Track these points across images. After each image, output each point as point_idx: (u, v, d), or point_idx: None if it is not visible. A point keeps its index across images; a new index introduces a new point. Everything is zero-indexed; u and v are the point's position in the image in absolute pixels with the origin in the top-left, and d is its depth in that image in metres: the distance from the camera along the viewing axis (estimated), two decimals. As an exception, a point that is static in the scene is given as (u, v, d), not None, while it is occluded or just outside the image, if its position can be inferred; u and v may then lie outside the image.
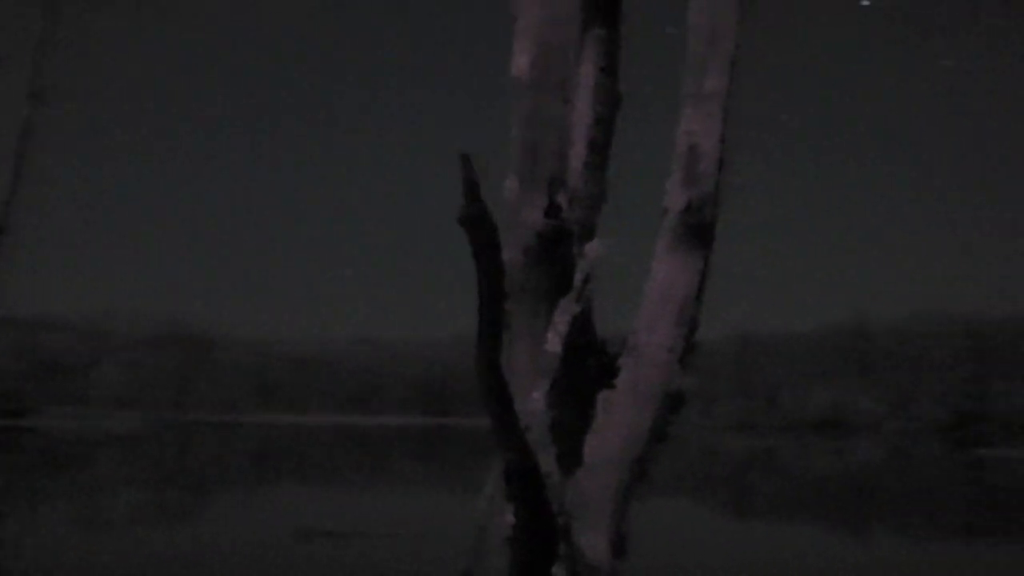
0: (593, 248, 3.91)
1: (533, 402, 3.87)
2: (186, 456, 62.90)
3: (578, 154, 3.99)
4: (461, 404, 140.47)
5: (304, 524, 25.16)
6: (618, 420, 3.78)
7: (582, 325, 3.88)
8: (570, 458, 3.75)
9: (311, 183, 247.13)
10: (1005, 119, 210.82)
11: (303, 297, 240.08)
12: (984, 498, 43.32)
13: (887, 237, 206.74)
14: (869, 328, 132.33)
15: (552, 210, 3.89)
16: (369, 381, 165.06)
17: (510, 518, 3.84)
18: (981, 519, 34.84)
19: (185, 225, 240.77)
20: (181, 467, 53.24)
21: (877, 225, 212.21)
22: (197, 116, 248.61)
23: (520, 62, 3.98)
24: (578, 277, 3.87)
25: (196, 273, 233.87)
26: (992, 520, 34.55)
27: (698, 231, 3.77)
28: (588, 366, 3.90)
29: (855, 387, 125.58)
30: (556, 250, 3.87)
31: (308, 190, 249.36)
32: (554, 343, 3.88)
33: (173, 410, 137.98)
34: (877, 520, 34.39)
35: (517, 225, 3.92)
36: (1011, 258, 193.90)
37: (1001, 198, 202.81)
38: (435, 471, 54.27)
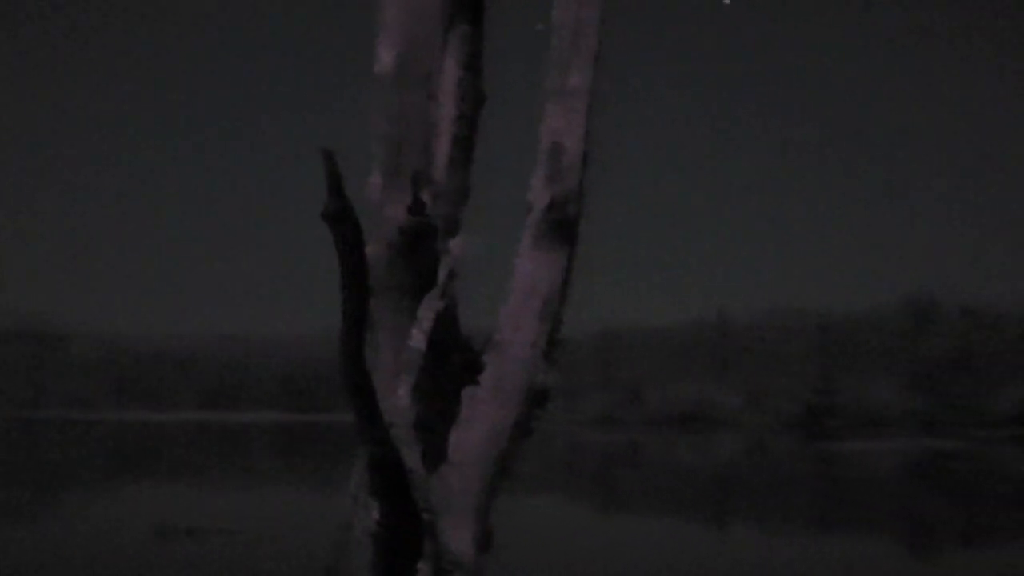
0: (457, 244, 3.92)
1: (397, 398, 3.86)
2: (37, 455, 60.98)
3: (442, 150, 3.99)
4: (325, 400, 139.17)
5: (164, 522, 24.63)
6: (482, 416, 3.79)
7: (446, 321, 3.88)
8: (435, 454, 3.75)
9: (167, 173, 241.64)
10: (859, 117, 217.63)
11: (161, 291, 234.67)
12: (833, 490, 44.68)
13: (747, 233, 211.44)
14: (728, 323, 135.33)
15: (416, 206, 3.88)
16: (231, 377, 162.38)
17: (375, 515, 3.82)
18: (830, 511, 35.94)
19: (32, 217, 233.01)
20: (32, 466, 51.59)
21: (737, 221, 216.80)
22: (40, 104, 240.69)
23: (384, 57, 3.97)
24: (442, 273, 3.87)
25: (46, 266, 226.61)
26: (841, 512, 35.67)
27: (562, 228, 3.80)
28: (452, 362, 3.90)
29: (715, 382, 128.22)
30: (420, 246, 3.87)
31: (165, 181, 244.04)
32: (418, 339, 3.87)
33: (23, 408, 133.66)
34: (736, 512, 35.21)
35: (381, 221, 3.91)
36: (859, 254, 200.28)
37: (851, 196, 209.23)
38: (299, 468, 53.68)
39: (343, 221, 3.41)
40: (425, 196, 3.87)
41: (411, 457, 3.79)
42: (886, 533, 28.95)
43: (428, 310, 3.82)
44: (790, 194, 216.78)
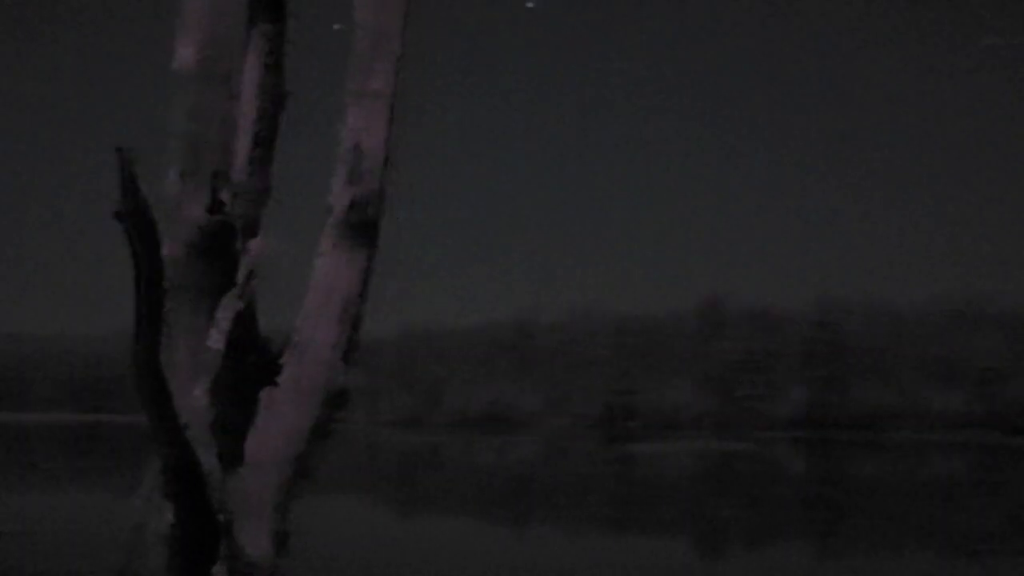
0: (257, 244, 3.88)
1: (194, 399, 3.80)
2: None
3: (242, 149, 3.94)
4: (118, 401, 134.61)
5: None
6: (281, 417, 3.77)
7: (245, 322, 3.84)
8: (232, 455, 3.71)
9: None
10: (663, 123, 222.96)
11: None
12: (629, 491, 45.79)
13: (548, 236, 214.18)
14: (530, 325, 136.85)
15: (215, 205, 3.83)
16: (16, 378, 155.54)
17: (168, 517, 3.75)
18: (626, 511, 36.81)
19: None
20: None
21: (537, 224, 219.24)
22: None
23: (184, 54, 3.90)
24: (241, 273, 3.83)
25: None
26: (636, 512, 36.58)
27: (362, 229, 3.81)
28: (250, 363, 3.86)
29: (516, 383, 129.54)
30: (219, 246, 3.82)
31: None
32: (216, 340, 3.83)
33: None
34: (534, 513, 35.68)
35: (179, 220, 3.84)
36: (657, 257, 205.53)
37: (647, 201, 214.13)
38: (89, 469, 51.79)
39: (137, 220, 3.35)
40: (224, 195, 3.82)
41: (207, 458, 3.74)
42: (678, 533, 29.85)
43: (227, 310, 3.77)
44: (589, 198, 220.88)
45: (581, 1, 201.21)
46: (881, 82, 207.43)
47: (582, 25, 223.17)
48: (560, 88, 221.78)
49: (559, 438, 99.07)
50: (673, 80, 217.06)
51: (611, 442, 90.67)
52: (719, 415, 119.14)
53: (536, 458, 70.55)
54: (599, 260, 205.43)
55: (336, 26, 3.77)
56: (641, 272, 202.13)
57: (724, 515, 34.28)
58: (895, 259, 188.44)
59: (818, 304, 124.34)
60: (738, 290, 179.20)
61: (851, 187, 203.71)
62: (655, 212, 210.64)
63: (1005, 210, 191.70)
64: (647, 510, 37.01)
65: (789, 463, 67.14)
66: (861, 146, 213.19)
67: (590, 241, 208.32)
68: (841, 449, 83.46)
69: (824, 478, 55.37)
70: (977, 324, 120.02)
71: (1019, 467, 63.32)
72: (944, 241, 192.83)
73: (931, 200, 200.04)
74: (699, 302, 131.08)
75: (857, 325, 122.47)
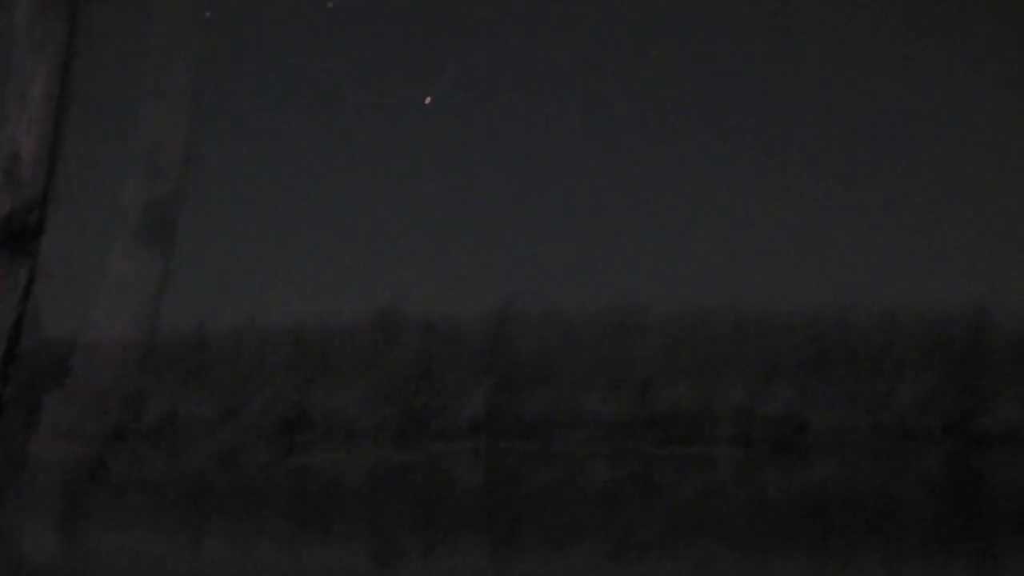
0: (42, 245, 3.76)
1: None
2: None
3: (28, 151, 3.80)
4: None
5: None
6: (69, 419, 3.64)
7: (29, 324, 3.70)
8: (16, 457, 3.56)
9: None
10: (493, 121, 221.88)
11: None
12: (304, 503, 45.56)
13: (227, 239, 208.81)
14: (205, 335, 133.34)
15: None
16: None
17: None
18: (301, 523, 36.62)
19: None
20: None
21: (211, 227, 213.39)
22: None
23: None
24: (24, 275, 3.70)
25: None
26: (310, 524, 36.48)
27: (159, 228, 3.75)
28: (36, 365, 3.72)
29: (188, 394, 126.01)
30: (3, 247, 3.67)
31: None
32: (-6, 342, 3.67)
33: None
34: (207, 525, 34.92)
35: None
36: (331, 266, 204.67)
37: (323, 206, 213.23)
38: None
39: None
40: (8, 196, 3.68)
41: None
42: (352, 544, 30.03)
43: (9, 313, 3.63)
44: (261, 202, 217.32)
45: None
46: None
47: (380, 22, 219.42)
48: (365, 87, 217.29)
49: (232, 449, 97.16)
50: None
51: (287, 453, 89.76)
52: (394, 425, 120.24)
53: (209, 469, 68.98)
54: (273, 267, 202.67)
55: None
56: (317, 279, 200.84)
57: (397, 526, 34.75)
58: (566, 266, 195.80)
59: (494, 312, 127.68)
60: (413, 298, 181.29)
61: (533, 191, 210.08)
62: (329, 218, 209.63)
63: (664, 216, 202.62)
64: (324, 521, 36.99)
65: (461, 474, 68.68)
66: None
67: (261, 248, 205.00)
68: (515, 458, 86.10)
69: (499, 487, 57.03)
70: (638, 333, 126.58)
71: (669, 474, 67.38)
72: (608, 249, 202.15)
73: (593, 207, 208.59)
74: (375, 310, 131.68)
75: (530, 335, 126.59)
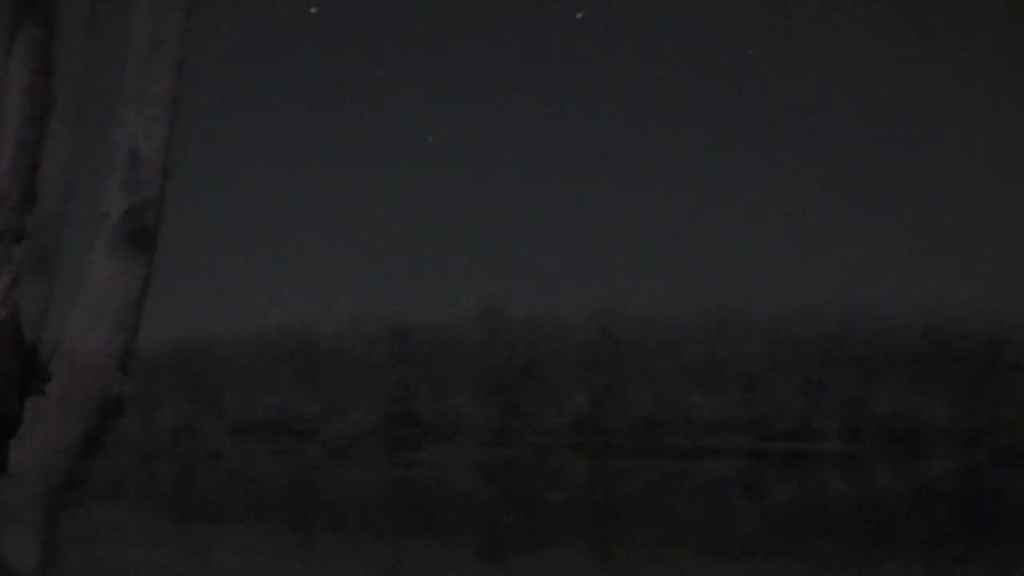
0: (21, 251, 3.76)
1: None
2: None
3: (6, 156, 3.81)
4: None
5: None
6: (48, 427, 3.66)
7: (9, 330, 3.71)
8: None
9: None
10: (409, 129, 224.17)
11: None
12: (410, 498, 45.96)
13: (323, 241, 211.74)
14: (310, 331, 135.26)
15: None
16: None
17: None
18: (407, 518, 36.95)
19: None
20: None
21: (310, 228, 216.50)
22: None
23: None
24: (4, 281, 3.71)
25: None
26: (417, 519, 36.76)
27: (139, 236, 3.74)
28: (15, 372, 3.73)
29: (296, 391, 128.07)
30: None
31: None
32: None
33: None
34: (315, 522, 35.42)
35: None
36: (436, 262, 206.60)
37: (426, 206, 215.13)
38: None
39: None
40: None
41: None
42: (460, 539, 30.15)
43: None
44: (367, 204, 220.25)
45: None
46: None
47: (361, 27, 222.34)
48: (339, 89, 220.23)
49: (339, 445, 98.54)
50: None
51: (393, 449, 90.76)
52: (498, 422, 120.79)
53: (318, 465, 70.01)
54: (378, 266, 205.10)
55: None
56: (421, 278, 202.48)
57: (507, 521, 34.79)
58: (667, 268, 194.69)
59: (597, 312, 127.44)
60: (517, 297, 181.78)
61: (621, 195, 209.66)
62: (431, 217, 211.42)
63: (766, 219, 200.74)
64: (429, 517, 37.24)
65: (569, 469, 68.61)
66: (610, 151, 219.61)
67: (368, 247, 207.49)
68: (619, 455, 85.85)
69: (603, 483, 56.85)
70: (741, 331, 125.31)
71: (773, 471, 66.52)
72: (711, 250, 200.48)
73: (699, 208, 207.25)
74: (479, 308, 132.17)
75: (634, 333, 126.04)
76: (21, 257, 3.73)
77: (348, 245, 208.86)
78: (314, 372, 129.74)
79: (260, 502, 42.26)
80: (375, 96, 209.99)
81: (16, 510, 3.57)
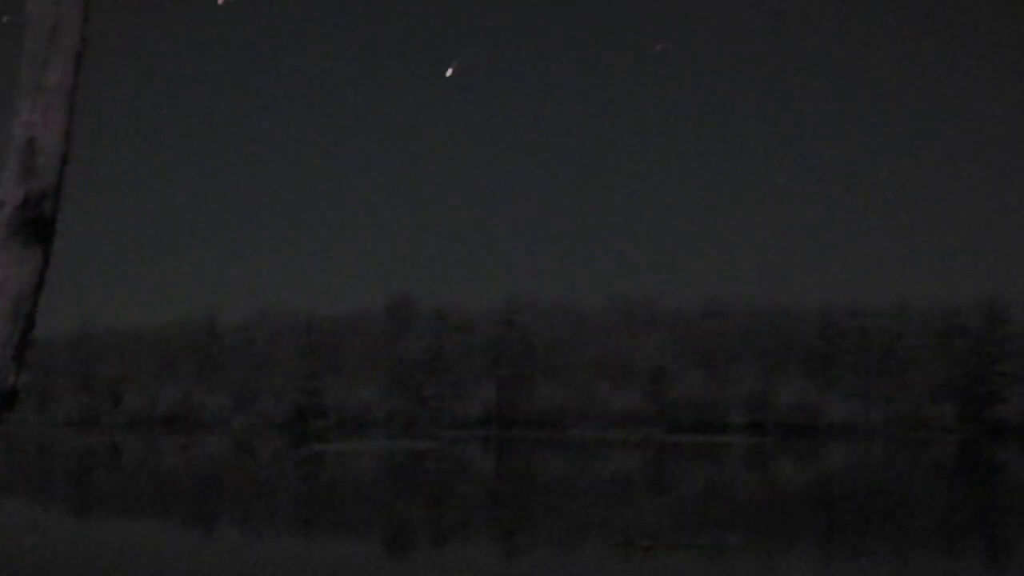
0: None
1: None
2: None
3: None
4: None
5: None
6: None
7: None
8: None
9: None
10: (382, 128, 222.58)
11: None
12: (318, 491, 45.67)
13: (231, 235, 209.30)
14: (217, 324, 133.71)
15: None
16: None
17: None
18: (315, 511, 36.71)
19: None
20: None
21: (221, 224, 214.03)
22: None
23: None
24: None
25: None
26: (324, 512, 36.55)
27: (36, 226, 3.69)
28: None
29: (202, 383, 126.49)
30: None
31: None
32: None
33: None
34: (220, 514, 35.02)
35: None
36: (344, 255, 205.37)
37: (339, 201, 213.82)
38: None
39: None
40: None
41: None
42: (366, 533, 30.03)
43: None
44: (273, 194, 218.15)
45: None
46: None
47: (271, 20, 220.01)
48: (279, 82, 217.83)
49: (247, 438, 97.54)
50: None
51: (300, 442, 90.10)
52: (406, 414, 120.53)
53: (223, 457, 69.25)
54: (285, 258, 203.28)
55: (5, 18, 3.64)
56: (328, 271, 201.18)
57: (411, 514, 34.73)
58: (576, 262, 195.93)
59: (504, 305, 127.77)
60: (426, 290, 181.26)
61: (536, 191, 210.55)
62: (338, 210, 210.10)
63: (674, 214, 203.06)
64: (337, 509, 37.04)
65: (476, 461, 68.70)
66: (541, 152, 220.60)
67: (276, 239, 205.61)
68: (527, 447, 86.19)
69: (510, 476, 57.04)
70: (648, 324, 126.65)
71: (680, 463, 67.31)
72: (615, 244, 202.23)
73: (602, 202, 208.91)
74: (387, 301, 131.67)
75: (541, 326, 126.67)
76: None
77: (254, 237, 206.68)
78: (219, 364, 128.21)
79: (158, 496, 41.69)
80: (271, 88, 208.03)
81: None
